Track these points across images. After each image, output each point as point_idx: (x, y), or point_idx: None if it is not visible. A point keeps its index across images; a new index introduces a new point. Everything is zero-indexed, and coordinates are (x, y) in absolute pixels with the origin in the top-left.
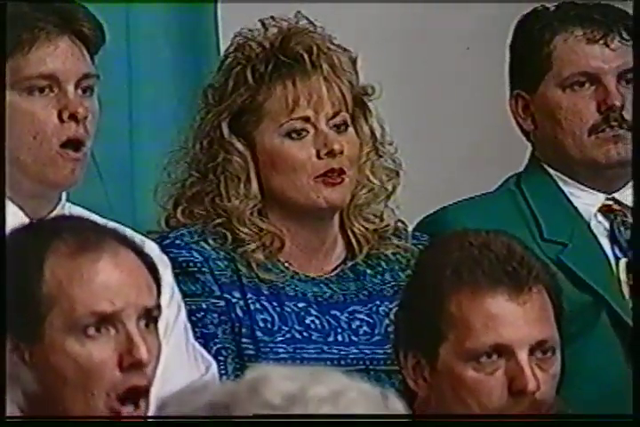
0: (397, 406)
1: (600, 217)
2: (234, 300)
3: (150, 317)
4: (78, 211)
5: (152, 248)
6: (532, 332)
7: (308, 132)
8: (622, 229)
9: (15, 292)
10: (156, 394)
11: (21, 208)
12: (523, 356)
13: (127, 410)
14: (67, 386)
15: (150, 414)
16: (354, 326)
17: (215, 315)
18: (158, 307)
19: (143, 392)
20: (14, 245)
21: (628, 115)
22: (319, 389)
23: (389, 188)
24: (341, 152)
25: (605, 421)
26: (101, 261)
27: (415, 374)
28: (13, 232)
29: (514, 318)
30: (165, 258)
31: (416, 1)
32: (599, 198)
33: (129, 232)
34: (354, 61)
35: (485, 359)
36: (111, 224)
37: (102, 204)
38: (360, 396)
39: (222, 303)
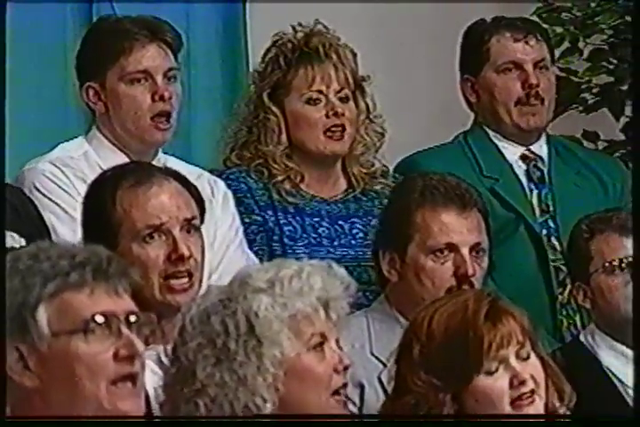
0: (340, 271)
1: (520, 162)
2: (267, 216)
3: (191, 224)
4: (170, 158)
5: (221, 186)
6: (471, 237)
7: (321, 100)
8: (534, 170)
9: (98, 218)
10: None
11: (132, 160)
12: (465, 252)
13: (180, 282)
14: None
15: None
16: (354, 232)
17: (254, 227)
18: (197, 218)
19: (186, 274)
20: (98, 186)
21: (542, 93)
22: (286, 271)
23: (377, 144)
24: (343, 114)
25: (605, 421)
26: (151, 190)
27: (389, 266)
28: (98, 177)
29: (460, 227)
30: (230, 193)
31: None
32: (519, 149)
33: (178, 171)
34: (354, 55)
35: (440, 254)
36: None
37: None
38: (314, 269)
39: (260, 219)
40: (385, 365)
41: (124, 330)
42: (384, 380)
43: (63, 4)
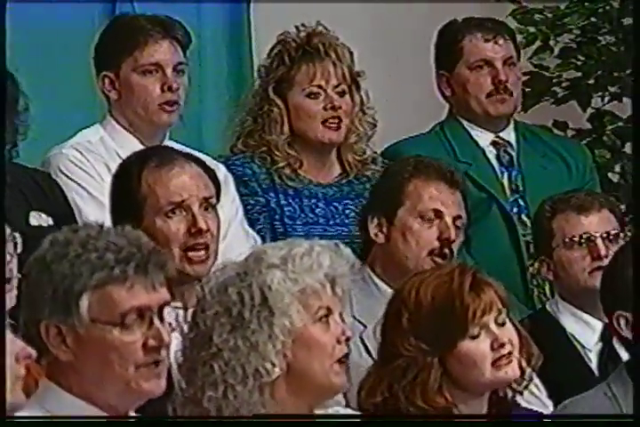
0: (347, 251)
1: (491, 147)
2: (269, 198)
3: (208, 203)
4: (175, 145)
5: (222, 169)
6: (455, 209)
7: (320, 94)
8: (504, 154)
9: (125, 195)
10: (224, 256)
11: (142, 143)
12: (449, 220)
13: (198, 254)
14: (159, 244)
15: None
16: (347, 212)
17: (258, 207)
18: (214, 197)
19: (203, 247)
20: (126, 167)
21: (511, 86)
22: (298, 249)
23: (369, 134)
24: (340, 107)
25: (605, 421)
26: (174, 170)
27: (377, 229)
28: (126, 159)
29: (447, 199)
30: (230, 176)
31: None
32: (490, 136)
33: (196, 154)
34: (351, 53)
35: (427, 219)
36: (186, 150)
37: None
38: (323, 248)
39: (263, 200)
40: (365, 326)
41: (156, 321)
42: (365, 339)
43: (90, 3)
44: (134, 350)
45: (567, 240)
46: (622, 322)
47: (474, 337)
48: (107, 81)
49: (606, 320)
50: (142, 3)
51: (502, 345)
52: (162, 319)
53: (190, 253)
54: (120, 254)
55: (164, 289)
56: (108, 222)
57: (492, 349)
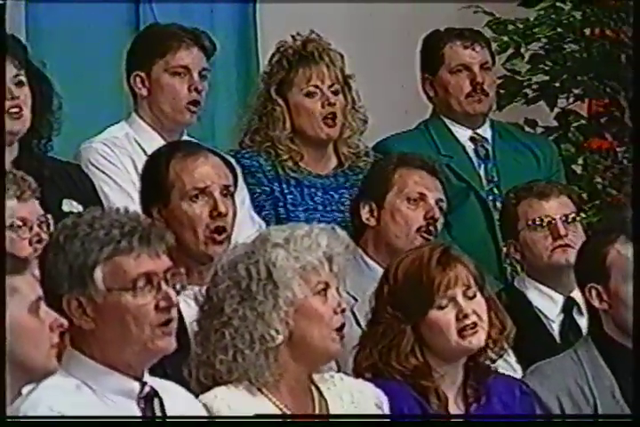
0: (343, 233)
1: (469, 142)
2: (274, 188)
3: (227, 190)
4: (190, 139)
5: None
6: (437, 193)
7: (317, 93)
8: (481, 149)
9: (154, 182)
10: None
11: (164, 138)
12: (432, 201)
13: (219, 237)
14: (182, 226)
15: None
16: (342, 200)
17: (264, 196)
18: (232, 186)
19: (224, 230)
20: (156, 156)
21: (487, 88)
22: (299, 231)
23: (362, 129)
24: (335, 104)
25: (605, 421)
26: (199, 160)
27: (369, 214)
28: (156, 150)
29: (429, 184)
30: (239, 168)
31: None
32: (469, 132)
33: (218, 151)
34: (342, 57)
35: (412, 201)
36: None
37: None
38: (321, 230)
39: (268, 189)
40: (356, 299)
41: (163, 285)
42: (355, 311)
43: (114, 4)
44: (147, 311)
45: (530, 223)
46: (594, 293)
47: (441, 307)
48: (138, 79)
49: (567, 294)
50: (160, 3)
51: (466, 316)
52: (168, 283)
53: (211, 235)
54: (124, 229)
55: (165, 257)
56: (134, 209)
57: (457, 319)
